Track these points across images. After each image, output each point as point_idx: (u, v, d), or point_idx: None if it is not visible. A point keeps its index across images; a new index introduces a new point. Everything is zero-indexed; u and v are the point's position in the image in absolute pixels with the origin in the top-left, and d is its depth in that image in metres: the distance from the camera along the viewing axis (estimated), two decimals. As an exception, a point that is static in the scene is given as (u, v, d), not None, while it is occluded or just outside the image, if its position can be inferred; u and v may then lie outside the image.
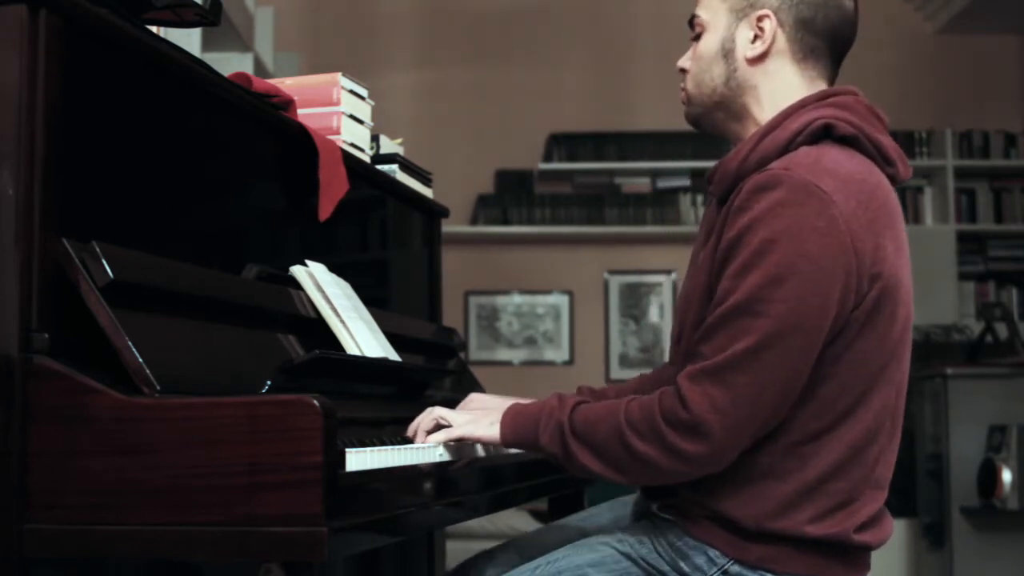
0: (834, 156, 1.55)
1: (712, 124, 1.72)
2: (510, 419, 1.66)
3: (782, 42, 1.64)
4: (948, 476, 4.78)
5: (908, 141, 6.10)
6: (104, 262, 1.42)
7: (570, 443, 1.58)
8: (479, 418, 1.69)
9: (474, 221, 6.06)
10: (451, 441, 1.69)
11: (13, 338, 1.37)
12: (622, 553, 1.64)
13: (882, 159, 1.62)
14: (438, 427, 1.71)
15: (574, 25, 6.21)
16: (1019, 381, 4.77)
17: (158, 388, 1.37)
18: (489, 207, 6.03)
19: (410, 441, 1.71)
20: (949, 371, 4.80)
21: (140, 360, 1.38)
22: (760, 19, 1.64)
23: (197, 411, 1.32)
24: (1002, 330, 5.17)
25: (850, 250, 1.49)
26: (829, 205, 1.48)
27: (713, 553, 1.58)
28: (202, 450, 1.31)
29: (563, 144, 6.05)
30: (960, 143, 6.06)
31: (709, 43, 1.68)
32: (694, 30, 1.71)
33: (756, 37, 1.64)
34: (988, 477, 4.57)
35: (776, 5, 1.63)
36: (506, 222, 6.02)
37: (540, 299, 6.17)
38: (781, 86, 1.65)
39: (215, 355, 1.60)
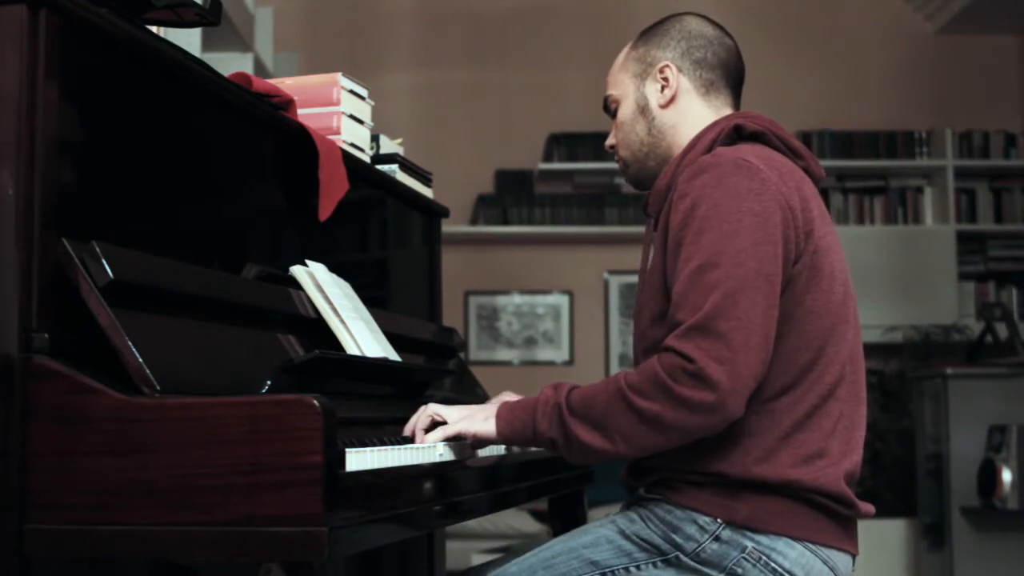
0: (750, 148, 1.72)
1: (650, 175, 1.87)
2: (505, 412, 1.68)
3: (685, 82, 1.84)
4: (948, 476, 4.78)
5: (908, 141, 6.10)
6: (104, 262, 1.42)
7: (569, 422, 1.60)
8: (474, 414, 1.70)
9: (474, 221, 6.06)
10: (447, 438, 1.70)
11: (13, 338, 1.37)
12: (616, 532, 1.70)
13: (791, 152, 1.78)
14: (435, 424, 1.73)
15: (574, 25, 6.21)
16: (1019, 381, 4.77)
17: (158, 388, 1.37)
18: (489, 207, 6.03)
19: (410, 441, 1.71)
20: (949, 371, 4.80)
21: (140, 360, 1.38)
22: (662, 70, 1.84)
23: (197, 411, 1.32)
24: (1002, 330, 5.17)
25: (784, 206, 1.64)
26: (758, 171, 1.65)
27: (703, 520, 1.64)
28: (202, 450, 1.31)
29: (563, 144, 6.06)
30: (960, 143, 6.06)
31: (625, 110, 1.88)
32: (611, 109, 1.91)
33: (663, 87, 1.84)
34: (988, 477, 4.57)
35: (671, 55, 1.85)
36: (506, 222, 6.02)
37: (540, 299, 6.17)
38: (695, 118, 1.83)
39: (215, 355, 1.60)
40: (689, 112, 1.83)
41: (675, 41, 1.85)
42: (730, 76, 1.86)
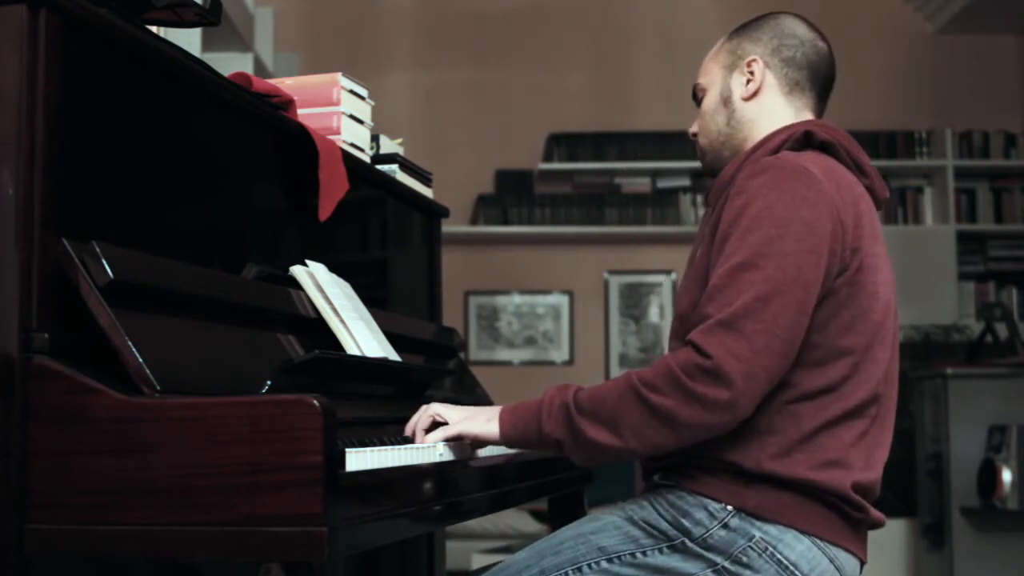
0: (815, 157, 1.73)
1: (724, 165, 1.86)
2: (509, 414, 1.68)
3: (770, 78, 1.84)
4: (948, 476, 4.79)
5: (908, 141, 6.10)
6: (104, 262, 1.42)
7: (577, 421, 1.60)
8: (476, 415, 1.70)
9: (474, 221, 6.06)
10: (448, 439, 1.69)
11: (13, 338, 1.37)
12: (624, 519, 1.71)
13: (857, 169, 1.79)
14: (436, 425, 1.72)
15: (574, 25, 6.21)
16: (1019, 381, 4.77)
17: (158, 388, 1.37)
18: (489, 207, 6.03)
19: (410, 441, 1.71)
20: (949, 371, 4.80)
21: (140, 360, 1.38)
22: (749, 63, 1.85)
23: (197, 411, 1.32)
24: (1002, 330, 5.17)
25: (836, 219, 1.64)
26: (816, 181, 1.65)
27: (713, 507, 1.64)
28: (202, 450, 1.31)
29: (563, 144, 6.05)
30: (960, 143, 6.06)
31: (710, 99, 1.89)
32: (698, 97, 1.91)
33: (748, 80, 1.85)
34: (988, 477, 4.57)
35: (760, 50, 1.85)
36: (506, 222, 6.02)
37: (540, 299, 6.17)
38: (774, 116, 1.83)
39: (215, 355, 1.60)
40: (770, 108, 1.83)
41: (767, 37, 1.85)
42: (817, 79, 1.86)
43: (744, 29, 1.89)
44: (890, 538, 5.18)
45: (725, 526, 1.63)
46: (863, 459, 1.67)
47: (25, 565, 1.36)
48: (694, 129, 1.92)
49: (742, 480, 1.63)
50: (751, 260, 1.59)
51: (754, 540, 1.62)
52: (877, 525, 1.71)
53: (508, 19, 6.19)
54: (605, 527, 1.71)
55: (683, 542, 1.65)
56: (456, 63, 6.18)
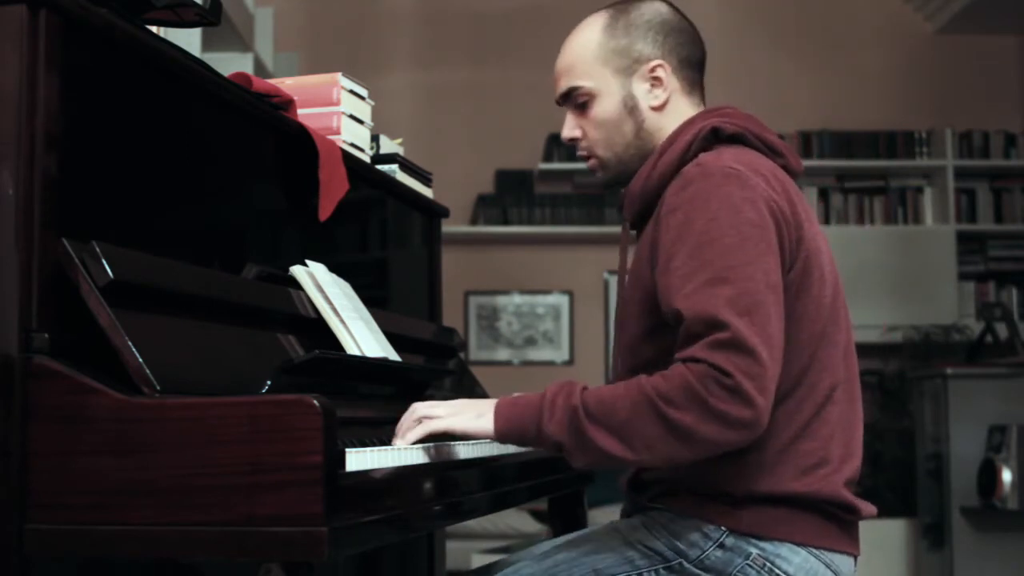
0: (730, 152, 1.66)
1: (629, 175, 1.79)
2: (505, 410, 1.59)
3: (674, 83, 1.77)
4: (948, 476, 4.79)
5: (908, 141, 6.10)
6: (104, 262, 1.42)
7: (585, 426, 1.52)
8: (463, 409, 1.61)
9: (474, 221, 6.06)
10: (430, 435, 1.60)
11: (13, 338, 1.37)
12: (619, 539, 1.68)
13: (770, 151, 1.73)
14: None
15: (574, 25, 6.20)
16: (1019, 381, 4.77)
17: (158, 388, 1.37)
18: (489, 207, 6.03)
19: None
20: (949, 371, 4.80)
21: (140, 360, 1.38)
22: (654, 69, 1.75)
23: (197, 411, 1.32)
24: (1002, 330, 5.17)
25: (776, 213, 1.60)
26: (747, 179, 1.60)
27: (707, 528, 1.62)
28: (202, 450, 1.31)
29: (563, 144, 6.04)
30: (960, 143, 6.06)
31: (607, 107, 1.76)
32: (574, 100, 1.78)
33: (654, 86, 1.76)
34: (988, 477, 4.57)
35: (659, 52, 1.76)
36: (506, 222, 6.02)
37: (540, 299, 6.17)
38: (680, 119, 1.76)
39: (215, 355, 1.60)
40: (675, 113, 1.76)
41: (660, 36, 1.75)
42: (702, 70, 1.80)
43: (618, 23, 1.76)
44: (890, 538, 5.18)
45: (721, 546, 1.61)
46: (843, 447, 1.65)
47: (25, 565, 1.36)
48: (576, 135, 1.80)
49: (732, 503, 1.61)
50: (718, 276, 1.52)
51: (751, 558, 1.60)
52: (868, 517, 1.69)
53: (508, 19, 6.19)
54: (600, 548, 1.68)
55: (680, 563, 1.63)
56: (456, 63, 6.18)
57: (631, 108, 1.76)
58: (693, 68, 1.79)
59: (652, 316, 1.65)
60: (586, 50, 1.77)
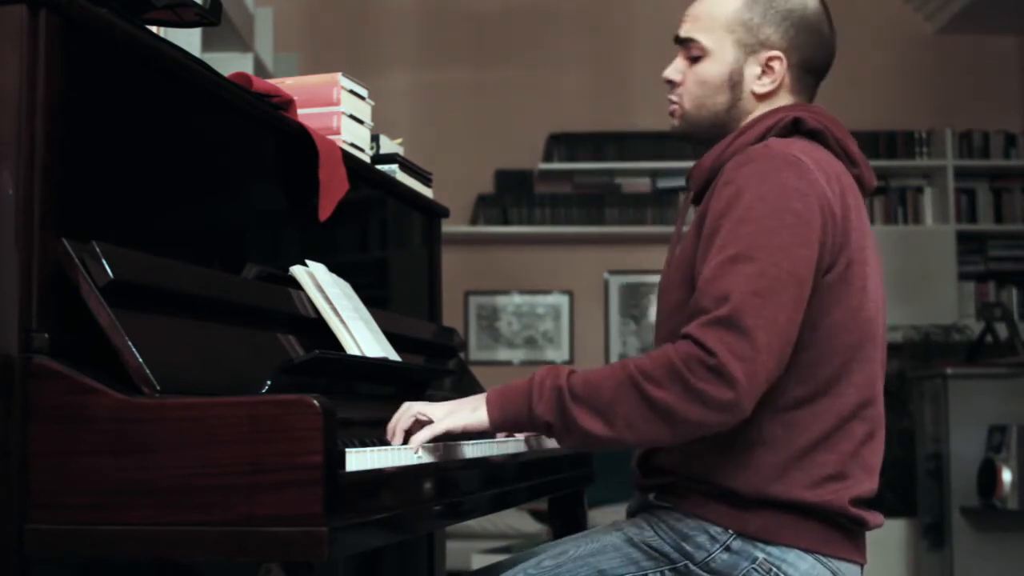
0: (803, 145, 1.66)
1: (699, 136, 1.80)
2: (496, 397, 1.60)
3: (786, 80, 1.75)
4: (948, 476, 4.78)
5: (908, 141, 6.10)
6: (104, 262, 1.42)
7: (570, 407, 1.53)
8: (459, 408, 1.61)
9: (474, 221, 6.06)
10: (435, 438, 1.60)
11: (13, 338, 1.37)
12: (624, 540, 1.67)
13: (847, 158, 1.72)
14: (420, 424, 1.63)
15: (574, 25, 6.21)
16: (1019, 381, 4.77)
17: (158, 388, 1.37)
18: (489, 207, 6.03)
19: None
20: (949, 371, 4.80)
21: (140, 360, 1.38)
22: (770, 59, 1.73)
23: (197, 411, 1.32)
24: (1002, 330, 5.17)
25: (826, 211, 1.59)
26: (807, 171, 1.59)
27: (714, 530, 1.61)
28: (202, 450, 1.31)
29: (563, 144, 6.06)
30: (960, 143, 6.06)
31: (713, 71, 1.75)
32: (688, 49, 1.77)
33: (764, 73, 1.74)
34: (988, 477, 4.57)
35: (785, 46, 1.73)
36: (506, 222, 6.02)
37: (540, 299, 6.17)
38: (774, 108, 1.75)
39: (215, 355, 1.60)
40: (775, 104, 1.75)
41: (794, 28, 1.72)
42: (821, 77, 1.80)
43: (765, 2, 1.73)
44: (890, 538, 5.18)
45: (727, 549, 1.60)
46: (863, 469, 1.63)
47: (25, 565, 1.36)
48: (676, 78, 1.78)
49: (740, 505, 1.60)
50: (745, 253, 1.52)
51: (758, 562, 1.59)
52: (875, 527, 1.69)
53: (508, 19, 6.19)
54: (604, 549, 1.68)
55: (686, 565, 1.62)
56: (456, 63, 6.18)
57: (734, 84, 1.74)
58: (811, 72, 1.77)
59: (690, 286, 1.62)
60: (721, 10, 1.75)
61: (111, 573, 1.60)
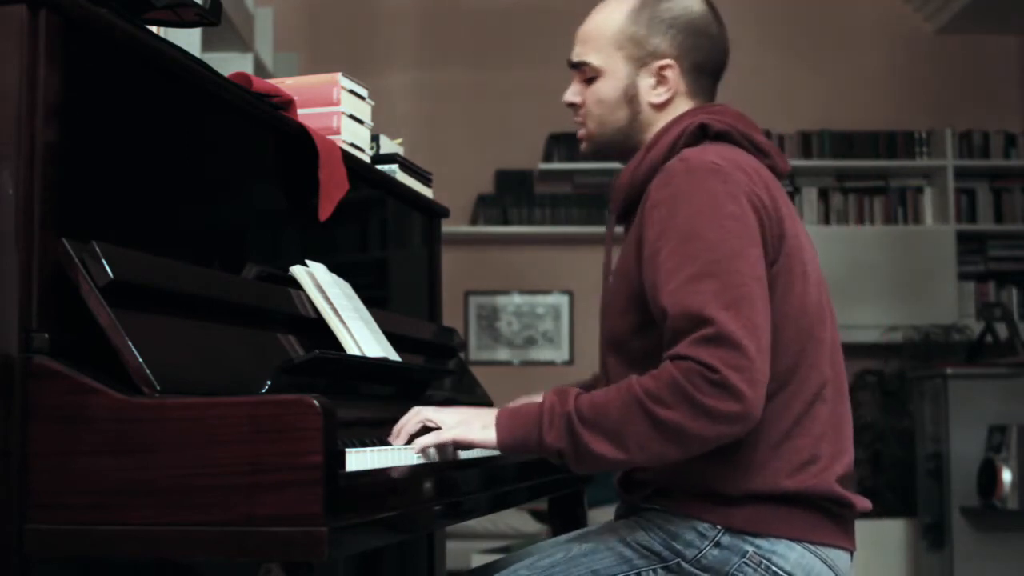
0: (716, 149, 1.67)
1: (610, 155, 1.84)
2: (506, 420, 1.61)
3: (681, 86, 1.77)
4: (948, 476, 4.78)
5: (908, 141, 6.10)
6: (104, 262, 1.42)
7: (580, 432, 1.54)
8: (470, 420, 1.63)
9: (474, 221, 6.06)
10: (439, 445, 1.63)
11: (13, 338, 1.37)
12: (616, 539, 1.69)
13: (756, 150, 1.74)
14: (426, 429, 1.65)
15: (574, 25, 6.19)
16: (1019, 381, 4.77)
17: (158, 388, 1.37)
18: (489, 207, 6.03)
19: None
20: (949, 371, 4.80)
21: (140, 360, 1.38)
22: (662, 68, 1.76)
23: (197, 411, 1.32)
24: (1002, 330, 5.17)
25: (758, 207, 1.62)
26: (728, 174, 1.61)
27: (703, 527, 1.63)
28: (202, 450, 1.31)
29: (563, 144, 6.05)
30: (960, 143, 6.06)
31: (609, 89, 1.78)
32: (582, 72, 1.80)
33: (659, 83, 1.76)
34: (988, 477, 4.57)
35: (675, 53, 1.76)
36: (506, 222, 6.02)
37: (540, 299, 6.17)
38: (675, 116, 1.77)
39: (215, 355, 1.60)
40: (673, 112, 1.77)
41: (681, 34, 1.75)
42: (717, 77, 1.81)
43: (643, 12, 1.75)
44: (890, 538, 5.18)
45: (717, 544, 1.62)
46: (833, 445, 1.66)
47: (25, 565, 1.36)
48: (577, 100, 1.81)
49: (725, 501, 1.62)
50: (703, 271, 1.54)
51: (748, 555, 1.61)
52: (864, 513, 1.70)
53: (508, 19, 6.19)
54: (597, 548, 1.69)
55: (678, 563, 1.64)
56: (456, 63, 6.18)
57: (630, 98, 1.77)
58: (706, 74, 1.79)
59: (640, 312, 1.66)
60: (606, 28, 1.78)
61: (111, 573, 1.60)
